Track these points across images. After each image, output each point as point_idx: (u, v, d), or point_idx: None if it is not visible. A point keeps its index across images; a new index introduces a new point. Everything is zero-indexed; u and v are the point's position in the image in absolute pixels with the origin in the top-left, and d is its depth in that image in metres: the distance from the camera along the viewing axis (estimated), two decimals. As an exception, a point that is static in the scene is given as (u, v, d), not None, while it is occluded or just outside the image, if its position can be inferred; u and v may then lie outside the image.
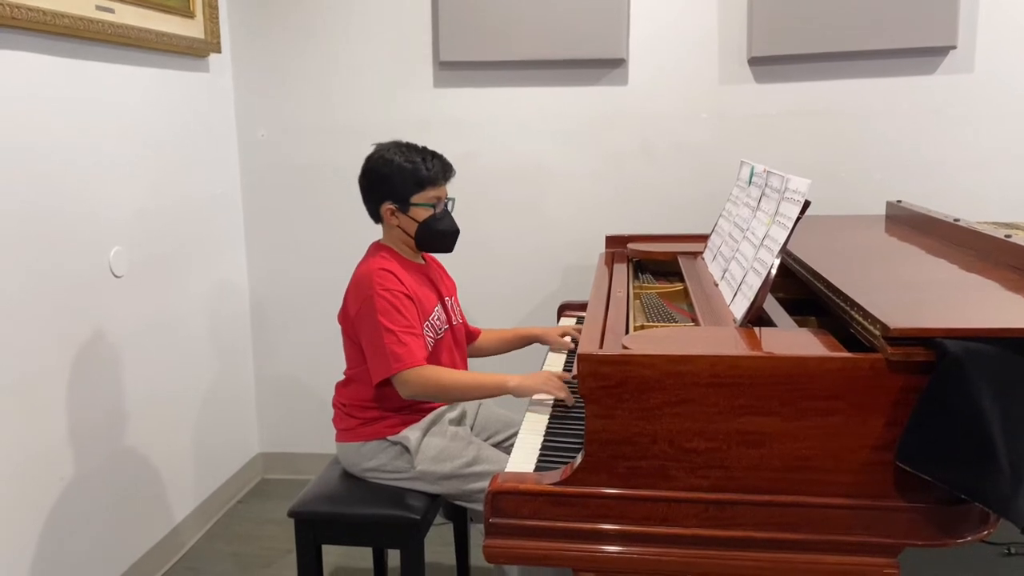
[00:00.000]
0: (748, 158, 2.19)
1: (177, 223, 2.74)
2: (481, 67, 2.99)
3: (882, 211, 2.63)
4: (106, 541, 2.39)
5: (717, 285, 1.91)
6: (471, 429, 2.18)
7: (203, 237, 2.93)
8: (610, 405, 1.37)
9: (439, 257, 2.25)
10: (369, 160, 2.06)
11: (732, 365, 1.34)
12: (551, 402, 1.88)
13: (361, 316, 1.96)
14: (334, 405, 2.13)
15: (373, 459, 2.02)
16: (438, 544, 2.61)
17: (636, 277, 2.37)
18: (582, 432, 1.42)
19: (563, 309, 2.65)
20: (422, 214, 2.04)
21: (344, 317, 2.06)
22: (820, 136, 2.89)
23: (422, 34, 3.02)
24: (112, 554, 2.42)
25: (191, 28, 2.74)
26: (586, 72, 2.97)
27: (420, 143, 2.08)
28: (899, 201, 2.56)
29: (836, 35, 2.76)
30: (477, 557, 1.95)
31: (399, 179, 2.01)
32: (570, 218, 3.07)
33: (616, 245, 2.71)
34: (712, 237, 2.24)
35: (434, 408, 2.06)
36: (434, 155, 2.05)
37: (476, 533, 2.40)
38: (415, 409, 2.03)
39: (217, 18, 2.88)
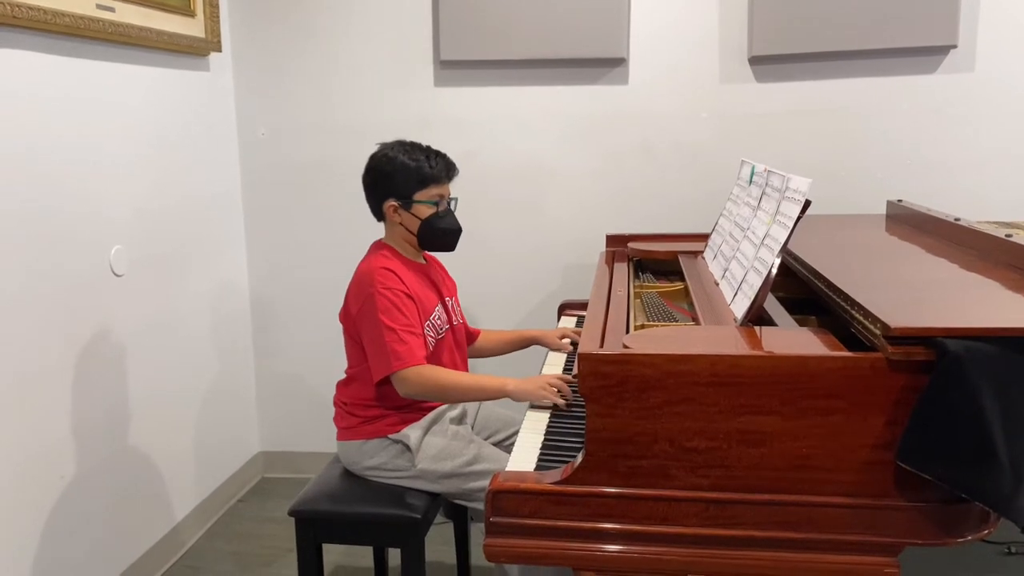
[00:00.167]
0: (749, 157, 2.19)
1: (177, 222, 2.74)
2: (482, 66, 2.99)
3: (883, 210, 2.63)
4: (106, 540, 2.39)
5: (718, 284, 1.91)
6: (472, 428, 2.18)
7: (203, 236, 2.93)
8: (611, 404, 1.37)
9: (440, 257, 2.25)
10: (373, 158, 2.07)
11: (733, 364, 1.34)
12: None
13: (362, 314, 1.96)
14: (335, 404, 2.13)
15: (374, 458, 2.02)
16: (439, 543, 2.62)
17: (637, 276, 2.37)
18: (583, 431, 1.42)
19: (563, 308, 2.65)
20: (425, 211, 2.04)
21: (345, 316, 2.06)
22: (821, 135, 2.89)
23: (423, 33, 3.02)
24: (112, 553, 2.43)
25: (192, 27, 2.74)
26: (586, 71, 2.97)
27: (421, 142, 2.08)
28: (900, 200, 2.56)
29: (837, 34, 2.76)
30: (478, 556, 1.95)
31: (403, 176, 2.01)
32: (571, 217, 3.07)
33: (617, 244, 2.71)
34: (713, 236, 2.24)
35: (435, 407, 2.06)
36: (438, 154, 2.06)
37: (477, 532, 2.40)
38: (416, 408, 2.03)
39: (218, 17, 2.88)
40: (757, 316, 1.59)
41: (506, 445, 2.12)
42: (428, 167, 2.02)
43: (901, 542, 1.35)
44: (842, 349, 1.37)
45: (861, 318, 1.38)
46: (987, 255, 1.81)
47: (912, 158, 2.86)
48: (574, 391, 1.84)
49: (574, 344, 2.26)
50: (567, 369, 2.15)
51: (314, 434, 3.22)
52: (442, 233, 2.07)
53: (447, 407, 2.09)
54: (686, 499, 1.38)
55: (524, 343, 2.39)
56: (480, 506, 1.81)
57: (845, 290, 1.49)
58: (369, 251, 2.10)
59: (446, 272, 2.28)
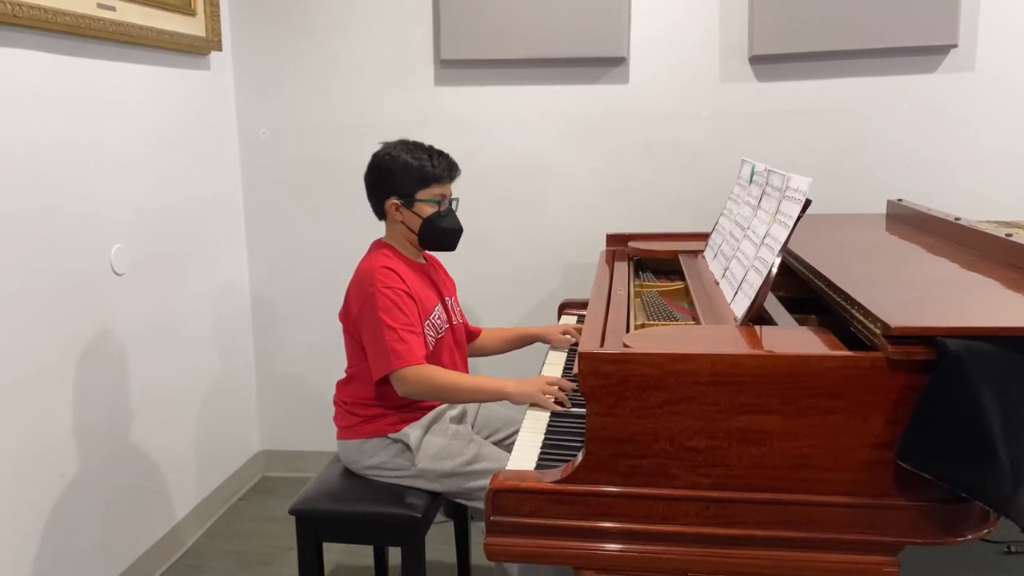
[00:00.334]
0: (749, 156, 2.19)
1: (178, 221, 2.74)
2: (482, 65, 2.99)
3: (883, 210, 2.63)
4: (107, 539, 2.39)
5: (718, 284, 1.92)
6: (472, 427, 2.18)
7: (204, 235, 2.93)
8: (611, 403, 1.37)
9: (440, 256, 2.25)
10: (376, 156, 2.08)
11: (733, 364, 1.34)
12: (552, 400, 1.88)
13: (363, 313, 1.96)
14: (335, 403, 2.13)
15: (374, 457, 2.03)
16: (439, 542, 2.62)
17: (637, 275, 2.37)
18: (583, 430, 1.42)
19: (564, 307, 2.65)
20: (426, 210, 2.04)
21: (346, 315, 2.06)
22: (821, 135, 2.89)
23: (423, 32, 3.02)
24: (113, 552, 2.43)
25: (192, 26, 2.74)
26: (587, 71, 2.97)
27: (423, 142, 2.09)
28: (900, 200, 2.56)
29: (837, 34, 2.76)
30: (478, 555, 1.95)
31: (405, 175, 2.02)
32: (571, 216, 3.07)
33: (617, 243, 2.71)
34: (713, 235, 2.24)
35: (435, 406, 2.06)
36: (440, 154, 2.06)
37: (477, 531, 2.40)
38: (416, 407, 2.04)
39: (218, 16, 2.88)
40: (757, 315, 1.59)
41: (506, 444, 2.12)
42: (431, 166, 2.02)
43: (901, 541, 1.35)
44: (842, 348, 1.37)
45: (861, 317, 1.38)
46: (987, 255, 1.82)
47: (912, 158, 2.86)
48: (574, 390, 1.84)
49: (575, 342, 2.26)
50: (567, 368, 2.15)
51: (314, 433, 3.22)
52: (443, 233, 2.07)
53: (447, 406, 2.09)
54: (686, 498, 1.38)
55: (525, 341, 2.39)
56: (480, 505, 1.81)
57: (845, 289, 1.49)
58: (370, 250, 2.11)
59: (446, 272, 2.28)
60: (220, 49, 2.92)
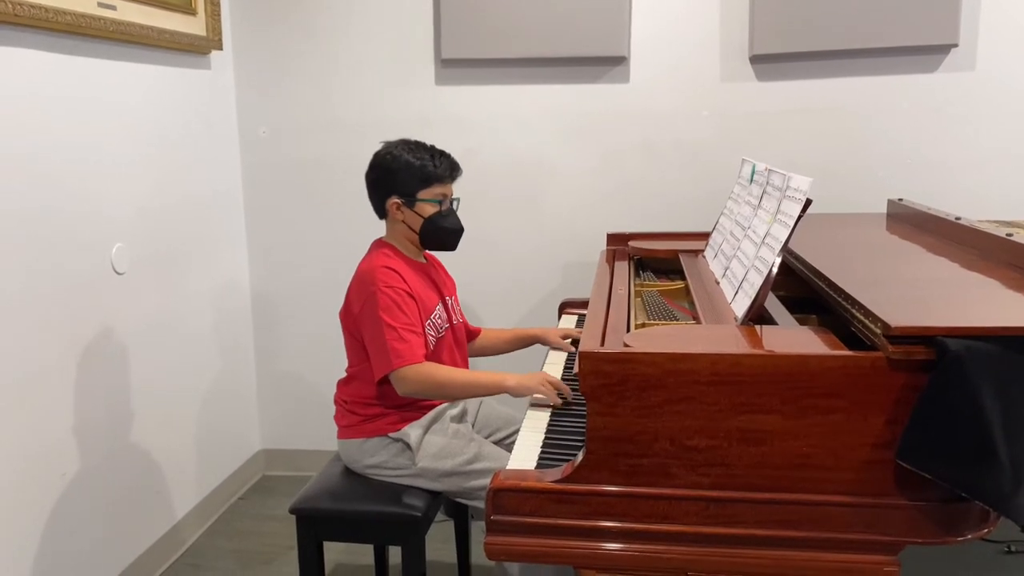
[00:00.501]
0: (749, 156, 2.20)
1: (178, 220, 2.74)
2: (482, 65, 2.99)
3: (883, 209, 2.63)
4: (107, 538, 2.39)
5: (718, 283, 1.92)
6: (472, 426, 2.18)
7: (204, 234, 2.93)
8: (611, 403, 1.37)
9: (440, 255, 2.25)
10: (378, 156, 2.08)
11: (733, 363, 1.34)
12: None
13: (364, 313, 1.96)
14: (335, 402, 2.14)
15: (374, 456, 2.03)
16: (439, 541, 2.62)
17: (637, 275, 2.37)
18: (583, 430, 1.42)
19: (564, 307, 2.65)
20: (428, 210, 2.05)
21: (346, 314, 2.06)
22: (821, 134, 2.89)
23: (423, 32, 3.02)
24: (113, 551, 2.43)
25: (193, 25, 2.74)
26: (587, 70, 2.97)
27: (424, 141, 2.09)
28: (900, 199, 2.56)
29: (838, 33, 2.76)
30: (478, 554, 1.95)
31: (406, 174, 2.02)
32: (571, 216, 3.07)
33: (617, 243, 2.71)
34: (713, 235, 2.24)
35: (435, 405, 2.06)
36: (442, 153, 2.07)
37: (477, 530, 2.40)
38: (416, 406, 2.04)
39: (219, 15, 2.88)
40: (758, 315, 1.59)
41: (507, 444, 2.13)
42: (433, 166, 2.03)
43: (901, 541, 1.35)
44: (843, 348, 1.37)
45: (862, 317, 1.38)
46: (988, 254, 1.82)
47: (913, 157, 2.86)
48: (574, 390, 1.84)
49: (575, 343, 2.26)
50: (568, 368, 2.15)
51: (315, 432, 3.22)
52: (444, 232, 2.08)
53: (447, 405, 2.09)
54: (687, 498, 1.38)
55: (525, 342, 2.39)
56: (481, 504, 1.81)
57: (846, 289, 1.49)
58: (370, 249, 2.11)
59: (446, 271, 2.28)
60: (221, 48, 2.92)
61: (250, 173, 3.19)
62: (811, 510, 1.36)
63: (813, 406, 1.33)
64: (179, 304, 2.75)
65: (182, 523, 2.78)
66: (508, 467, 1.55)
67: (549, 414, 1.81)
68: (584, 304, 2.29)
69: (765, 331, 1.51)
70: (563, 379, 1.95)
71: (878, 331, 1.31)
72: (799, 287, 1.85)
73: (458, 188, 2.13)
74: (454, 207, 2.11)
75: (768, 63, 2.88)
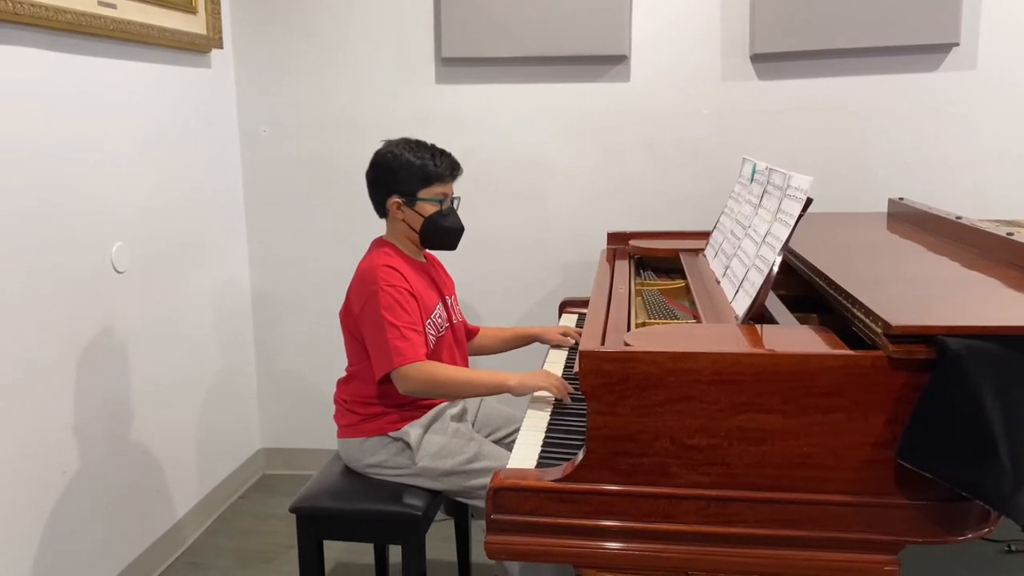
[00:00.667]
0: (750, 155, 2.19)
1: (179, 219, 2.74)
2: (483, 63, 2.99)
3: (884, 208, 2.63)
4: (107, 537, 2.39)
5: (719, 282, 1.91)
6: (472, 426, 2.18)
7: (205, 233, 2.93)
8: (612, 402, 1.37)
9: (440, 254, 2.25)
10: (378, 155, 2.08)
11: (734, 362, 1.34)
12: (552, 399, 1.88)
13: (365, 312, 1.96)
14: (336, 401, 2.14)
15: (374, 455, 2.03)
16: (439, 540, 2.62)
17: (638, 274, 2.37)
18: (583, 429, 1.42)
19: (564, 306, 2.65)
20: (428, 209, 2.04)
21: (346, 313, 2.06)
22: (822, 133, 2.89)
23: (424, 30, 3.02)
24: (113, 549, 2.43)
25: (193, 24, 2.74)
26: (588, 68, 2.96)
27: (425, 140, 2.09)
28: (901, 198, 2.56)
29: (839, 32, 2.76)
30: (478, 553, 1.95)
31: (407, 173, 2.02)
32: (571, 215, 3.07)
33: (618, 242, 2.71)
34: (714, 234, 2.24)
35: (435, 404, 2.06)
36: (443, 153, 2.06)
37: (477, 529, 2.40)
38: (416, 405, 2.04)
39: (219, 13, 2.88)
40: (758, 314, 1.59)
41: (507, 443, 2.12)
42: (433, 165, 2.02)
43: (902, 540, 1.35)
44: (843, 347, 1.37)
45: (862, 316, 1.38)
46: (988, 253, 1.81)
47: (913, 156, 2.86)
48: (575, 389, 1.84)
49: (575, 343, 2.26)
50: (568, 367, 2.15)
51: (315, 431, 3.22)
52: (445, 232, 2.08)
53: (447, 404, 2.09)
54: (687, 497, 1.38)
55: (524, 341, 2.39)
56: (481, 503, 1.81)
57: (846, 288, 1.49)
58: (370, 248, 2.11)
59: (445, 270, 2.28)
60: (221, 47, 2.92)
61: (250, 172, 3.19)
62: (812, 509, 1.36)
63: (814, 405, 1.33)
64: (179, 303, 2.75)
65: (182, 522, 2.78)
66: (508, 466, 1.55)
67: (549, 413, 1.81)
68: (584, 303, 2.29)
69: (766, 330, 1.51)
70: (564, 378, 1.95)
71: (879, 330, 1.31)
72: (800, 286, 1.85)
73: (458, 187, 2.12)
74: (455, 206, 2.11)
75: (769, 62, 2.88)
